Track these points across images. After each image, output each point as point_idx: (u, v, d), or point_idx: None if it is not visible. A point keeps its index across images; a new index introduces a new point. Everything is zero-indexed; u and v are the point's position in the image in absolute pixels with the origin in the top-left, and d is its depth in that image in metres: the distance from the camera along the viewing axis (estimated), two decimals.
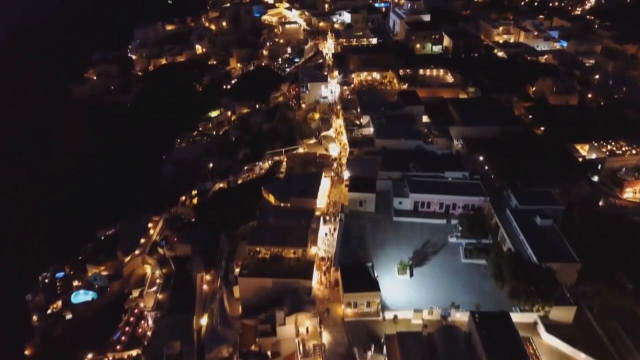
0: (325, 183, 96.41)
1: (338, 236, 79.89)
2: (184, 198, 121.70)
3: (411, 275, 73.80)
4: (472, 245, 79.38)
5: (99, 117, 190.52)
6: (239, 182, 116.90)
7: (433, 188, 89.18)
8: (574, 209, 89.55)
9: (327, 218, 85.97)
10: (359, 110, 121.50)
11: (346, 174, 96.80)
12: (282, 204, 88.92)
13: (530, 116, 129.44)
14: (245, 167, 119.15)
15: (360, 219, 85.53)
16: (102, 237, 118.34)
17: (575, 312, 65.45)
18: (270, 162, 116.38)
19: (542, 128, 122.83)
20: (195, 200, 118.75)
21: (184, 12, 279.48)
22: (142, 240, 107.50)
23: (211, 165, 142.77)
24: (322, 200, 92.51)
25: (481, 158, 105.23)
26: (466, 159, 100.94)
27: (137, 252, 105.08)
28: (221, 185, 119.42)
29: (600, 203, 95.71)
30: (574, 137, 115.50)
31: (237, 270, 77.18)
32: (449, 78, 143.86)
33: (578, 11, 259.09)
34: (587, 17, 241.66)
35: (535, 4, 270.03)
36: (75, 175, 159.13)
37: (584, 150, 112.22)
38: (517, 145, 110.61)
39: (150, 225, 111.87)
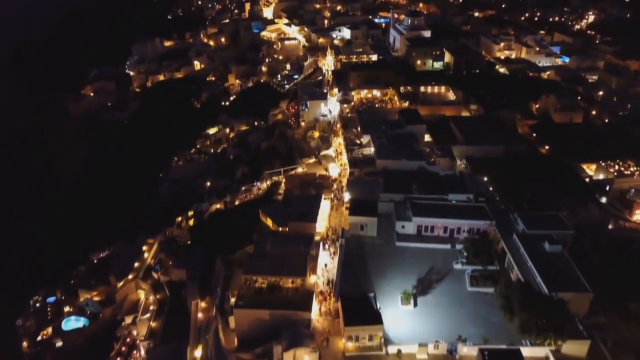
0: (325, 205, 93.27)
1: (338, 263, 76.58)
2: (180, 219, 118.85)
3: (415, 305, 70.37)
4: (478, 272, 75.97)
5: (96, 134, 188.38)
6: (237, 203, 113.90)
7: (437, 211, 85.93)
8: (583, 233, 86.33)
9: (327, 246, 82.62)
10: (359, 129, 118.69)
11: (346, 196, 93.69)
12: (280, 229, 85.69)
13: (534, 134, 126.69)
14: (243, 188, 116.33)
15: (361, 244, 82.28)
16: (95, 260, 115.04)
17: (589, 346, 62.07)
18: (268, 182, 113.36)
19: (546, 147, 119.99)
20: (191, 222, 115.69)
21: (183, 28, 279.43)
22: (136, 264, 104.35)
23: (208, 184, 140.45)
24: (321, 224, 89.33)
25: (485, 179, 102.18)
26: (470, 180, 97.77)
27: (130, 276, 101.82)
28: (218, 206, 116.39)
29: (610, 226, 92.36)
30: (580, 156, 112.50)
31: (232, 299, 73.74)
32: (451, 95, 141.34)
33: (579, 26, 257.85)
34: (588, 32, 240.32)
35: (536, 19, 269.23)
36: (70, 194, 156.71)
37: (590, 170, 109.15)
38: (521, 164, 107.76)
39: (144, 248, 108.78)
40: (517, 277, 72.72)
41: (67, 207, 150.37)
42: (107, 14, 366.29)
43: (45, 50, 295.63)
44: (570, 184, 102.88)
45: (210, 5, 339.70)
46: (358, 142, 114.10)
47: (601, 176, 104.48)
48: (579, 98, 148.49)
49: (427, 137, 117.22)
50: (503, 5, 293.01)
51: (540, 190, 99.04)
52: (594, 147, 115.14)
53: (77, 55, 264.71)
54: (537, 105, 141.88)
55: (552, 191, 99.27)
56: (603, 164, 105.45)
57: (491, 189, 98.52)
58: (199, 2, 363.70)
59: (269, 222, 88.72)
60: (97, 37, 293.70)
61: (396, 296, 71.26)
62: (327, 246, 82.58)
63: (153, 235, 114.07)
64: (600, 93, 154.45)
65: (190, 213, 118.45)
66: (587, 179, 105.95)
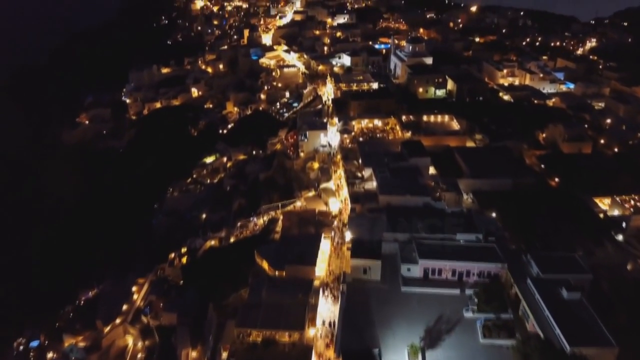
0: (325, 245, 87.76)
1: (339, 312, 70.67)
2: (173, 255, 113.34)
3: None
4: (491, 321, 70.04)
5: (90, 163, 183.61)
6: (232, 239, 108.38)
7: (444, 253, 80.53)
8: (600, 275, 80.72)
9: (327, 293, 76.86)
10: (360, 161, 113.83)
11: (348, 235, 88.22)
12: (276, 272, 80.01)
13: (542, 165, 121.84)
14: (239, 223, 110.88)
15: (364, 290, 76.47)
16: (82, 302, 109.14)
17: None
18: (265, 218, 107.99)
19: (556, 179, 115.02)
20: (184, 259, 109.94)
21: (183, 53, 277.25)
22: (125, 307, 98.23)
23: (204, 216, 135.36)
24: (321, 266, 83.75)
25: (494, 214, 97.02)
26: (478, 217, 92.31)
27: (118, 320, 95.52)
28: (213, 242, 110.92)
29: (629, 267, 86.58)
30: (592, 190, 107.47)
31: (225, 353, 67.81)
32: (455, 124, 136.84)
33: (580, 51, 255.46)
34: (591, 57, 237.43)
35: (537, 44, 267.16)
36: (61, 227, 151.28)
37: (603, 204, 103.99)
38: (531, 198, 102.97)
39: (134, 288, 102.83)
40: (533, 328, 67.12)
41: (57, 240, 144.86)
42: (108, 40, 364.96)
43: (44, 76, 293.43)
44: (584, 220, 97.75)
45: (209, 31, 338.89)
46: (359, 175, 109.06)
47: (616, 212, 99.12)
48: (586, 125, 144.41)
49: (431, 170, 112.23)
50: (504, 31, 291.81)
51: (553, 228, 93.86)
52: (606, 179, 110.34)
53: (75, 81, 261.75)
54: (544, 135, 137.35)
55: (564, 228, 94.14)
56: (618, 199, 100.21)
57: (500, 225, 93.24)
58: (199, 28, 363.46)
59: (265, 265, 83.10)
60: (95, 63, 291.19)
61: (402, 350, 65.27)
62: (327, 292, 76.80)
63: (144, 274, 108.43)
64: (608, 121, 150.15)
65: (184, 250, 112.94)
66: (601, 215, 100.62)
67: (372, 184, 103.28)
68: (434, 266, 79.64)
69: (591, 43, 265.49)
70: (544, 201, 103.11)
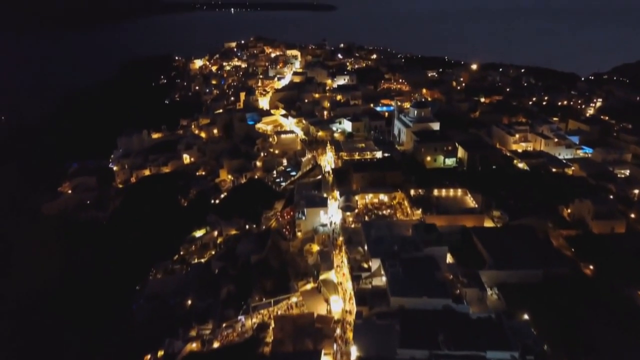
0: None
1: None
2: (149, 358, 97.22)
3: None
4: None
5: (69, 237, 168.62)
6: (216, 344, 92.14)
7: None
8: None
9: None
10: (365, 247, 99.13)
11: (353, 351, 72.34)
12: None
13: (572, 249, 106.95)
14: (224, 324, 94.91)
15: None
16: None
17: None
18: (254, 320, 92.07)
19: (591, 266, 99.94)
20: None
21: (181, 113, 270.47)
22: None
23: (189, 302, 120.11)
24: None
25: (525, 316, 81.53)
26: (510, 324, 76.54)
27: None
28: (194, 345, 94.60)
29: None
30: (635, 281, 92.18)
31: None
32: (469, 200, 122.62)
33: (591, 110, 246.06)
34: (602, 117, 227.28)
35: (544, 103, 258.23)
36: (27, 313, 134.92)
37: None
38: (566, 293, 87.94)
39: None
40: None
41: (24, 336, 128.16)
42: (102, 101, 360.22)
43: (37, 139, 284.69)
44: (633, 321, 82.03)
45: (207, 91, 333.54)
46: (365, 266, 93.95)
47: None
48: (611, 196, 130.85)
49: (448, 258, 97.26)
50: (508, 90, 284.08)
51: (599, 334, 78.18)
52: None
53: (61, 147, 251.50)
54: (569, 210, 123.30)
55: (613, 334, 78.49)
56: None
57: (536, 333, 77.43)
58: (197, 88, 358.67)
59: None
60: (84, 128, 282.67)
61: None
62: None
63: None
64: (636, 192, 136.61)
65: (161, 353, 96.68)
66: None
67: (381, 280, 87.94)
68: None
69: (598, 102, 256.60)
70: (582, 296, 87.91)
